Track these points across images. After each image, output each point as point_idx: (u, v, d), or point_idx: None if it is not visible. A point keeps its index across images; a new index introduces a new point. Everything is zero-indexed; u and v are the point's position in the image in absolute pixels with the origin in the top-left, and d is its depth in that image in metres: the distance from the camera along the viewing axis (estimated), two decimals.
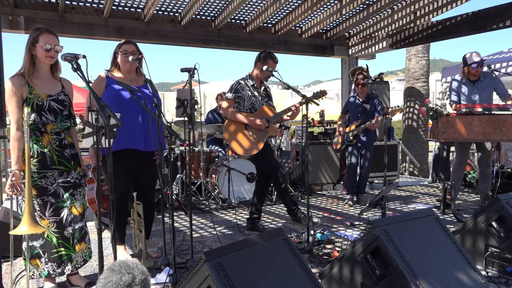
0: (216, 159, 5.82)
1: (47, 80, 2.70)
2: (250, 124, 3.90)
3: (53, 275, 2.70)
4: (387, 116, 5.21)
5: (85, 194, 2.88)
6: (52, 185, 2.65)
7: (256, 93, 4.00)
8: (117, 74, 3.23)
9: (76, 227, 2.74)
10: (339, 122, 5.66)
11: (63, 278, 2.90)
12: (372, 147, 5.45)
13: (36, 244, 2.66)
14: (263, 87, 4.12)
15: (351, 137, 5.38)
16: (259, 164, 4.14)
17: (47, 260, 2.66)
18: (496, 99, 5.08)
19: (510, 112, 4.40)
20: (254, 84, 4.01)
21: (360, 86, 5.35)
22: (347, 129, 5.49)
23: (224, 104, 3.99)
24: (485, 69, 4.89)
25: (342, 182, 6.56)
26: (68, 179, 2.71)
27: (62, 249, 2.69)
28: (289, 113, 4.01)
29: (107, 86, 3.14)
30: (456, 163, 5.04)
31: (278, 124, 5.81)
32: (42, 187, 2.61)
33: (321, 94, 3.96)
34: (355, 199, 5.54)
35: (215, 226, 4.41)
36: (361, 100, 5.42)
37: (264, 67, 3.88)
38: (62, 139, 2.71)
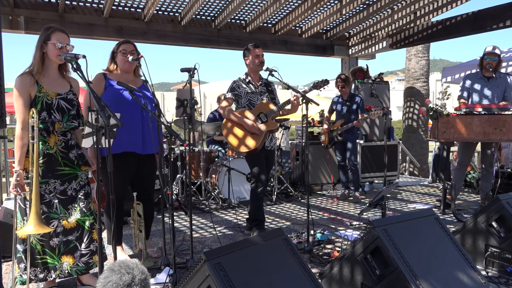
0: (216, 159, 5.82)
1: (56, 79, 2.68)
2: (242, 125, 3.88)
3: (34, 281, 2.59)
4: (370, 116, 5.51)
5: (90, 203, 2.77)
6: (49, 194, 2.61)
7: (253, 89, 4.00)
8: (115, 73, 3.21)
9: (64, 239, 2.65)
10: (325, 121, 5.96)
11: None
12: (354, 139, 5.74)
13: (20, 248, 2.60)
14: (262, 82, 4.07)
15: (338, 137, 5.68)
16: (248, 164, 4.09)
17: (27, 266, 2.57)
18: None
19: (510, 112, 4.40)
20: (250, 80, 4.02)
21: (340, 88, 5.69)
22: (334, 127, 5.76)
23: (223, 103, 4.00)
24: (502, 70, 4.90)
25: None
26: (67, 190, 2.66)
27: (47, 256, 2.61)
28: (289, 106, 3.94)
29: (106, 87, 3.11)
30: (458, 163, 5.04)
31: (278, 124, 5.84)
32: (40, 193, 2.54)
33: (323, 83, 3.85)
34: (346, 192, 5.87)
35: (215, 226, 4.41)
36: (344, 99, 5.72)
37: (253, 59, 3.93)
38: (69, 139, 2.69)
